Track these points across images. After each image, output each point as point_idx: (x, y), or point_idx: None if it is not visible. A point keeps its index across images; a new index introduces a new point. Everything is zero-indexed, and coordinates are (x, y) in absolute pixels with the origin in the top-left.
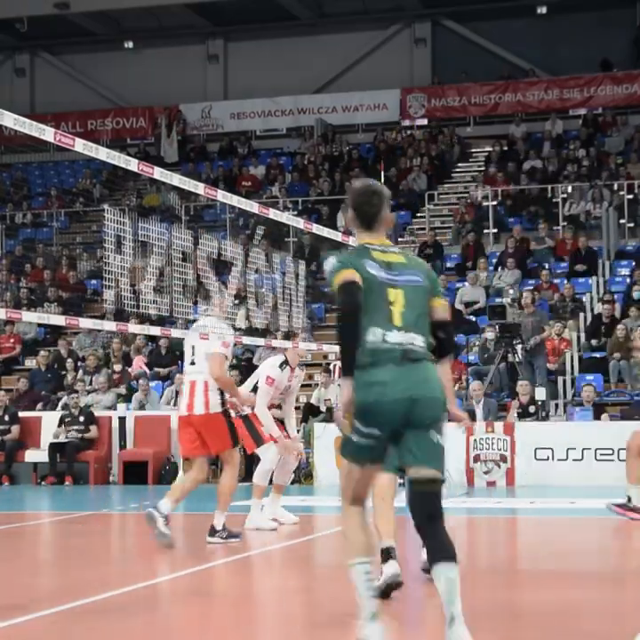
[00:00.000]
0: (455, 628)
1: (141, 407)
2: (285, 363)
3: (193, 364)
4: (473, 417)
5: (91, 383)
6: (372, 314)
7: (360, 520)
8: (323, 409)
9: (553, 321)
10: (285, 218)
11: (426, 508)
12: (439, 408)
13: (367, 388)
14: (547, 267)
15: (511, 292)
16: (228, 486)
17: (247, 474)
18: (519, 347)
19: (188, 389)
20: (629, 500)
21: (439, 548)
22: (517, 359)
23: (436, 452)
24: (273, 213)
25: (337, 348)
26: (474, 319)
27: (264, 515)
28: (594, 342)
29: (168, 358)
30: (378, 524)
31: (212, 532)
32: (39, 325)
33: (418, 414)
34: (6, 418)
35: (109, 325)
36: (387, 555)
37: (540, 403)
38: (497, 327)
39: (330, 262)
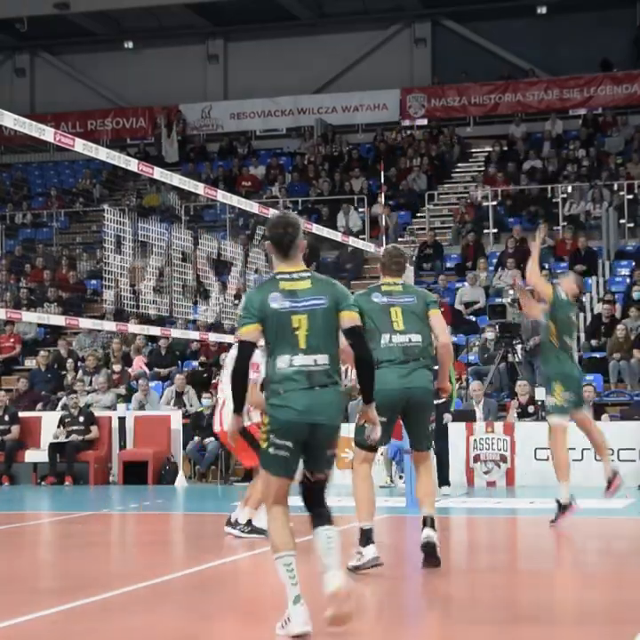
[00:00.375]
0: (331, 573)
1: (141, 407)
2: None
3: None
4: (473, 417)
5: (90, 383)
6: (280, 342)
7: (283, 520)
8: None
9: None
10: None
11: (316, 498)
12: (334, 433)
13: (280, 409)
14: (547, 267)
15: (511, 292)
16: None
17: (247, 474)
18: (519, 347)
19: None
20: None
21: (321, 516)
22: (517, 359)
23: (329, 461)
24: (273, 213)
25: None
26: (474, 319)
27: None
28: (594, 342)
29: (168, 358)
30: (358, 506)
31: (235, 523)
32: (39, 325)
33: (318, 436)
34: (6, 418)
35: (109, 325)
36: (367, 537)
37: (539, 403)
38: (497, 327)
39: (243, 301)
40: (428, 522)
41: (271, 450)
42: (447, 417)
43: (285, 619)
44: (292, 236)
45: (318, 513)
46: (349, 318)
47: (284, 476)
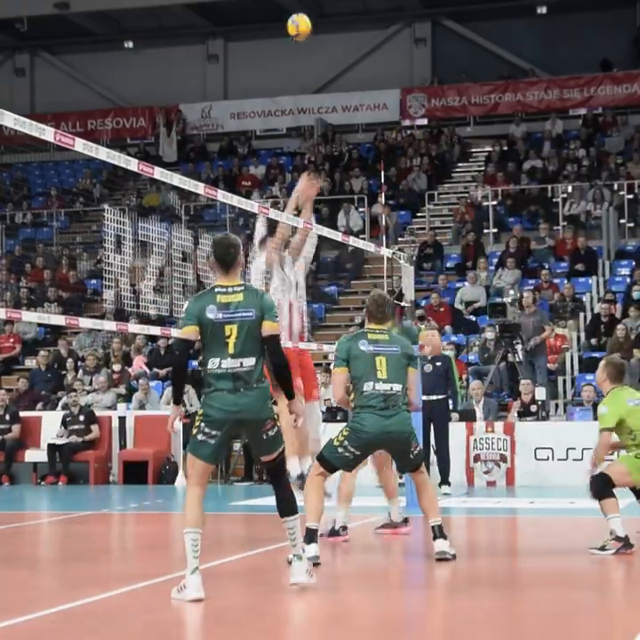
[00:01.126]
0: (295, 565)
1: (141, 407)
2: None
3: None
4: (473, 417)
5: (90, 383)
6: (213, 347)
7: (198, 499)
8: (323, 409)
9: (554, 321)
10: (285, 218)
11: (274, 477)
12: (261, 423)
13: (211, 406)
14: (547, 266)
15: (511, 292)
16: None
17: (246, 474)
18: (519, 347)
19: None
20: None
21: (284, 504)
22: (518, 359)
23: (269, 443)
24: (273, 213)
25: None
26: (474, 319)
27: None
28: (593, 341)
29: (168, 358)
30: (307, 509)
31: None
32: (39, 325)
33: (248, 428)
34: (7, 417)
35: (109, 325)
36: (310, 537)
37: (540, 402)
38: (497, 327)
39: (185, 307)
40: (436, 532)
41: (200, 437)
42: (454, 416)
43: (181, 585)
44: (234, 255)
45: (281, 499)
46: (269, 327)
47: (206, 460)
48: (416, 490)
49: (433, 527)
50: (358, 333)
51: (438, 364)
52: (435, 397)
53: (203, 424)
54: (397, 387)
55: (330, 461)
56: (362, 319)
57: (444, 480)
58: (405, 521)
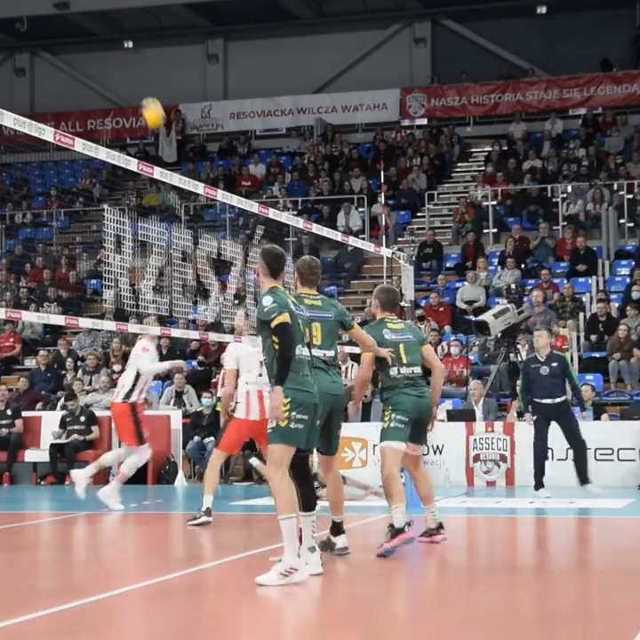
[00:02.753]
0: (314, 554)
1: None
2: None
3: (260, 375)
4: (473, 417)
5: (90, 383)
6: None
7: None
8: None
9: (557, 320)
10: (285, 218)
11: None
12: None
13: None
14: (546, 266)
15: (513, 287)
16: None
17: (246, 474)
18: (519, 346)
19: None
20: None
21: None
22: (520, 359)
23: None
24: (273, 213)
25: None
26: (474, 319)
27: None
28: (593, 338)
29: (169, 358)
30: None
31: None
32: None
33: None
34: (9, 412)
35: (109, 325)
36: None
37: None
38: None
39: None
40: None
41: (292, 425)
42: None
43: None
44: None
45: (305, 496)
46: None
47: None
48: (329, 486)
49: (338, 523)
50: (283, 291)
51: (554, 364)
52: (550, 401)
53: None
54: (330, 353)
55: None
56: (362, 319)
57: (585, 479)
58: (440, 527)
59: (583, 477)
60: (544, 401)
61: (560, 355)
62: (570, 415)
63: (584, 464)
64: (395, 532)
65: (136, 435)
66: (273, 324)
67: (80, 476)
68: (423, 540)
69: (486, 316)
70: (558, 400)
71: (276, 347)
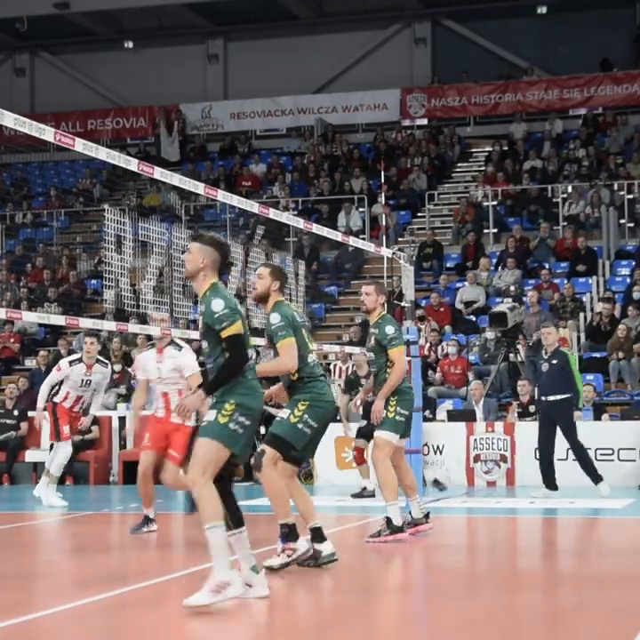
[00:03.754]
0: (259, 575)
1: None
2: (79, 360)
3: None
4: (473, 417)
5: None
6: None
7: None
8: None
9: (555, 321)
10: (285, 218)
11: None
12: None
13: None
14: (547, 266)
15: (513, 288)
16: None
17: (246, 474)
18: (519, 346)
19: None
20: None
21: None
22: (520, 359)
23: None
24: (273, 213)
25: (336, 349)
26: (474, 319)
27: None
28: (596, 338)
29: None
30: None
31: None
32: (39, 325)
33: None
34: (15, 413)
35: (109, 325)
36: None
37: None
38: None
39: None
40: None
41: (231, 425)
42: (577, 415)
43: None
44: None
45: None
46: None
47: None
48: (294, 494)
49: (316, 528)
50: (287, 304)
51: (554, 361)
52: (552, 398)
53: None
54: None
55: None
56: (362, 319)
57: (596, 479)
58: (426, 516)
59: (592, 477)
60: (542, 398)
61: (562, 351)
62: (565, 416)
63: (586, 464)
64: (395, 529)
65: (55, 431)
66: (224, 334)
67: (43, 493)
68: (411, 532)
69: (503, 308)
70: (552, 398)
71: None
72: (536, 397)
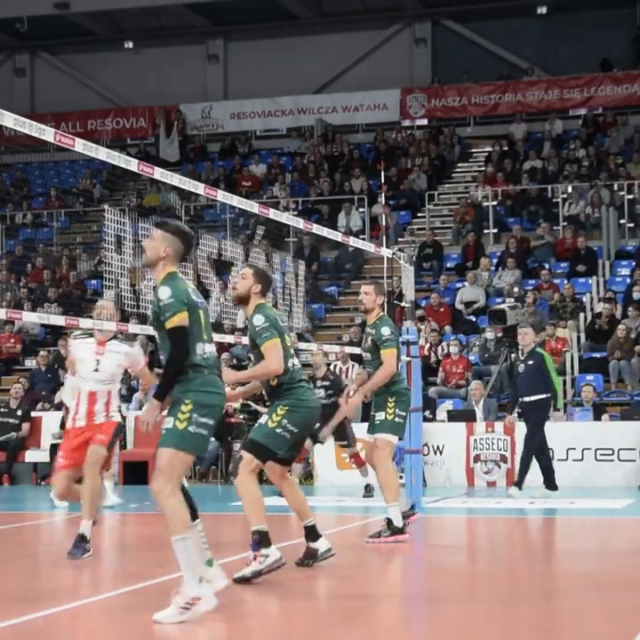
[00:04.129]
0: (214, 567)
1: (141, 407)
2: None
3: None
4: (473, 417)
5: None
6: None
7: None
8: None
9: (553, 321)
10: (285, 218)
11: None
12: None
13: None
14: (547, 267)
15: (516, 290)
16: None
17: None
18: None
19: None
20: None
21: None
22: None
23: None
24: (273, 213)
25: (336, 348)
26: (474, 319)
27: None
28: (593, 335)
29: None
30: (254, 510)
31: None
32: (41, 325)
33: None
34: (19, 413)
35: (109, 325)
36: (268, 539)
37: None
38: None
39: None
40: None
41: (191, 428)
42: (555, 415)
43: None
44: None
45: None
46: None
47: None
48: (287, 493)
49: (311, 527)
50: (270, 307)
51: (531, 362)
52: (529, 399)
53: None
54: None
55: (265, 446)
56: (362, 320)
57: (519, 483)
58: (412, 507)
59: (519, 478)
60: (520, 399)
61: (538, 352)
62: (538, 416)
63: (524, 466)
64: (395, 530)
65: None
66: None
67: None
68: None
69: (503, 306)
70: (527, 399)
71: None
72: (512, 398)
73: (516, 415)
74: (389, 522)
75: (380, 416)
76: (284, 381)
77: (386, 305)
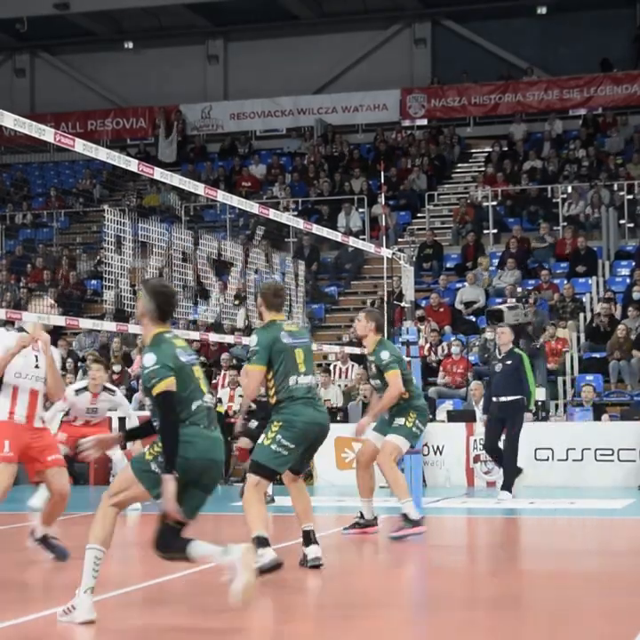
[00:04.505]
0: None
1: (141, 407)
2: (85, 388)
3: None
4: (473, 417)
5: None
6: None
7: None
8: None
9: (553, 321)
10: (285, 218)
11: None
12: None
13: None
14: (546, 267)
15: (519, 290)
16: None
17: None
18: (523, 346)
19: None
20: (361, 516)
21: None
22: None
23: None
24: (273, 214)
25: (336, 349)
26: (474, 319)
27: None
28: (593, 335)
29: None
30: (255, 519)
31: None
32: None
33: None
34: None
35: (109, 326)
36: (264, 543)
37: (540, 403)
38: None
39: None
40: (311, 537)
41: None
42: (527, 416)
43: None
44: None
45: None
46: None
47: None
48: (293, 495)
49: (306, 532)
50: (275, 325)
51: (509, 362)
52: (504, 399)
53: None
54: (313, 380)
55: (266, 466)
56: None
57: (508, 486)
58: (375, 519)
59: (506, 481)
60: (494, 399)
61: (516, 352)
62: (514, 417)
63: (509, 468)
64: (414, 522)
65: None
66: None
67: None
68: (357, 532)
69: (501, 306)
70: (503, 399)
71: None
72: (486, 398)
73: (485, 416)
74: (405, 516)
75: (399, 420)
76: (283, 398)
77: (379, 329)
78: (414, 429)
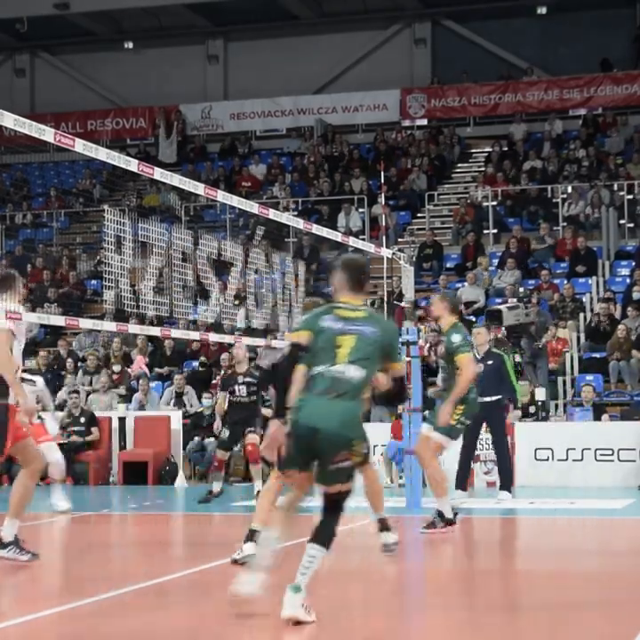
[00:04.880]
0: (287, 596)
1: (141, 408)
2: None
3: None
4: None
5: (91, 383)
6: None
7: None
8: None
9: (554, 322)
10: (285, 218)
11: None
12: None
13: None
14: (546, 267)
15: (521, 290)
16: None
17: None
18: (525, 346)
19: None
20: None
21: (314, 531)
22: (525, 359)
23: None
24: (273, 214)
25: None
26: (474, 319)
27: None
28: (593, 335)
29: (172, 359)
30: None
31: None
32: (41, 326)
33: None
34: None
35: (109, 325)
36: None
37: (540, 403)
38: (503, 328)
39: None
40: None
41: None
42: (516, 414)
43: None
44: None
45: (315, 526)
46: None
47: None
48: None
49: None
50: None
51: (490, 362)
52: (488, 399)
53: None
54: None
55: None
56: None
57: (506, 485)
58: (455, 515)
59: (504, 481)
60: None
61: (496, 353)
62: (497, 418)
63: (504, 467)
64: (447, 521)
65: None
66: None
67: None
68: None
69: (500, 307)
70: (487, 399)
71: None
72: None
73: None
74: (441, 514)
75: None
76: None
77: (458, 309)
78: (457, 425)
